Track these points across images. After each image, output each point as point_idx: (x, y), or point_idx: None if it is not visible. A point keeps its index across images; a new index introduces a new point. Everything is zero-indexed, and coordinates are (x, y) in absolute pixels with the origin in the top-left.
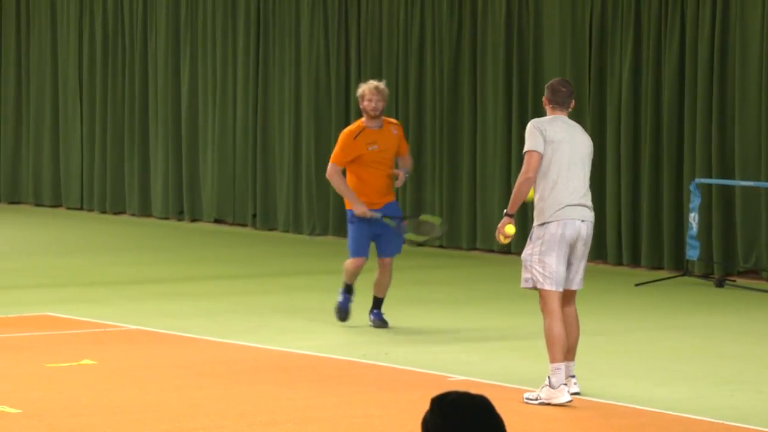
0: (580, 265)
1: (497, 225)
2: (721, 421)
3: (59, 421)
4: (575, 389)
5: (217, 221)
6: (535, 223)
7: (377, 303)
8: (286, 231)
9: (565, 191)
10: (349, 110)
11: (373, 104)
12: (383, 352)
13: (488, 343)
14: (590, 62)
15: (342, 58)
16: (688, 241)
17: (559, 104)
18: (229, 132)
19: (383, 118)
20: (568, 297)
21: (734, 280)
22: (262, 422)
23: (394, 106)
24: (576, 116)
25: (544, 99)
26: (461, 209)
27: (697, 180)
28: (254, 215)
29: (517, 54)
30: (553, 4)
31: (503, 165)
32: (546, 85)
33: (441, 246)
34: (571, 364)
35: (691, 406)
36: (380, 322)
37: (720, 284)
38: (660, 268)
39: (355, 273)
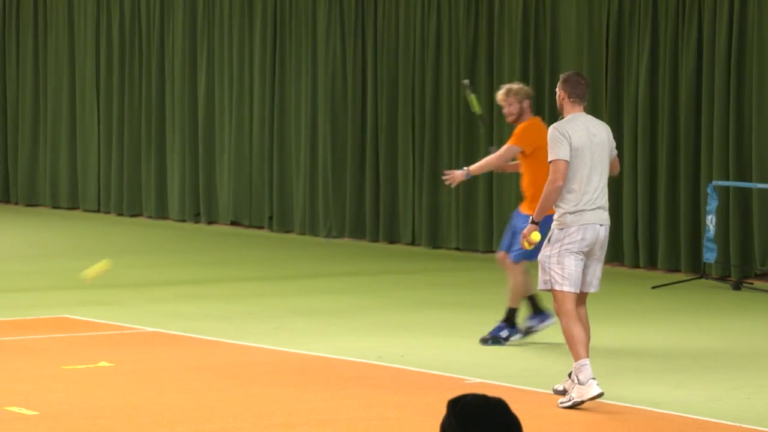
0: (597, 267)
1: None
2: (739, 424)
3: (76, 423)
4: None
5: (233, 223)
6: (554, 226)
7: (506, 314)
8: (303, 233)
9: (585, 197)
10: (365, 112)
11: (504, 110)
12: (399, 355)
13: (505, 345)
14: (607, 63)
15: (358, 59)
16: (705, 243)
17: (579, 98)
18: (246, 134)
19: (532, 119)
20: (580, 298)
21: (751, 283)
22: (278, 424)
23: (410, 107)
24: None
25: (561, 93)
26: (478, 211)
27: (714, 182)
28: (270, 217)
29: (533, 55)
30: (569, 4)
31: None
32: (562, 79)
33: (457, 248)
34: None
35: (708, 409)
36: (487, 337)
37: (737, 287)
38: (677, 270)
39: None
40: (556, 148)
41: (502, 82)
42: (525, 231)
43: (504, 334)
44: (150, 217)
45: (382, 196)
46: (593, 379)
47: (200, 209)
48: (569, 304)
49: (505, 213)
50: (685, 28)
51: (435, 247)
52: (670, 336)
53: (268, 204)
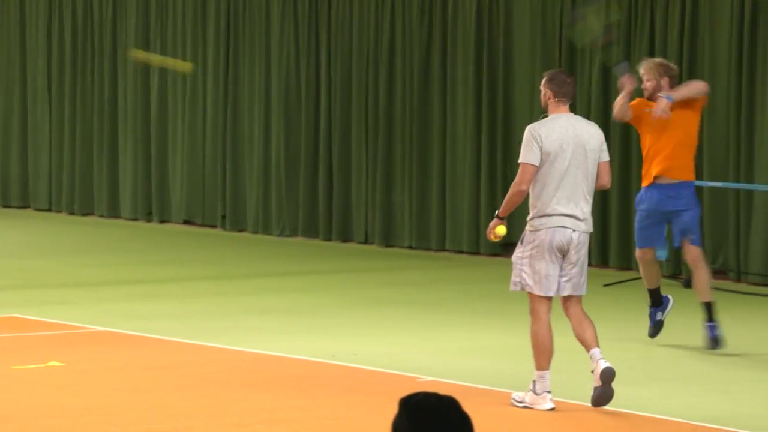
0: (573, 270)
1: (466, 225)
2: (688, 422)
3: (27, 424)
4: (604, 365)
5: (186, 222)
6: (527, 227)
7: (705, 311)
8: (256, 232)
9: (557, 201)
10: (319, 111)
11: (643, 84)
12: (352, 353)
13: (457, 344)
14: (560, 63)
15: (312, 59)
16: None
17: (565, 96)
18: (199, 133)
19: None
20: (572, 302)
21: None
22: (230, 424)
23: (364, 106)
24: None
25: (548, 92)
26: (431, 210)
27: None
28: (224, 216)
29: (487, 56)
30: (523, 5)
31: (473, 165)
32: (547, 78)
33: (410, 247)
34: (596, 350)
35: (659, 406)
36: (710, 341)
37: (688, 284)
38: (628, 268)
39: (644, 270)
40: (526, 151)
41: (455, 84)
42: (491, 225)
43: (719, 332)
44: (102, 216)
45: (336, 195)
46: (548, 392)
47: (152, 208)
48: (540, 308)
49: (457, 210)
50: (637, 28)
51: (388, 246)
52: (622, 334)
53: (221, 203)
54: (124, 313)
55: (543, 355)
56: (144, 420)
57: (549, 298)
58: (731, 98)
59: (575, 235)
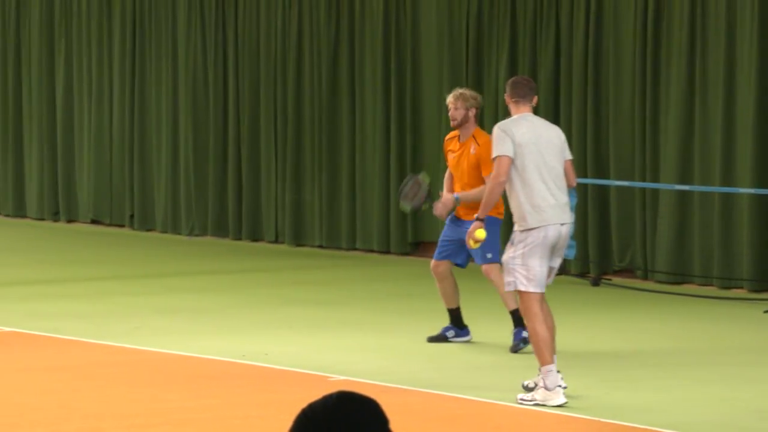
0: (556, 262)
1: (376, 224)
2: (597, 419)
3: None
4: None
5: (94, 222)
6: (516, 228)
7: (513, 318)
8: (165, 231)
9: (539, 195)
10: (227, 110)
11: (450, 112)
12: (263, 353)
13: (368, 343)
14: (467, 63)
15: (219, 57)
16: None
17: (522, 97)
18: (106, 131)
19: (476, 131)
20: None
21: (610, 279)
22: (139, 424)
23: (272, 105)
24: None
25: (506, 97)
26: (341, 209)
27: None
28: (132, 215)
29: (395, 54)
30: (429, 5)
31: (382, 164)
32: (506, 84)
33: (321, 246)
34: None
35: (569, 403)
36: (519, 342)
37: (596, 283)
38: None
39: (438, 285)
40: (499, 145)
41: (363, 82)
42: (470, 229)
43: (525, 334)
44: (8, 216)
45: (245, 194)
46: (560, 387)
47: (59, 207)
48: (535, 306)
49: (367, 209)
50: (543, 30)
51: (298, 245)
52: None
53: (129, 202)
54: (30, 314)
55: (545, 349)
56: (52, 421)
57: (542, 294)
58: (636, 99)
59: (564, 230)
